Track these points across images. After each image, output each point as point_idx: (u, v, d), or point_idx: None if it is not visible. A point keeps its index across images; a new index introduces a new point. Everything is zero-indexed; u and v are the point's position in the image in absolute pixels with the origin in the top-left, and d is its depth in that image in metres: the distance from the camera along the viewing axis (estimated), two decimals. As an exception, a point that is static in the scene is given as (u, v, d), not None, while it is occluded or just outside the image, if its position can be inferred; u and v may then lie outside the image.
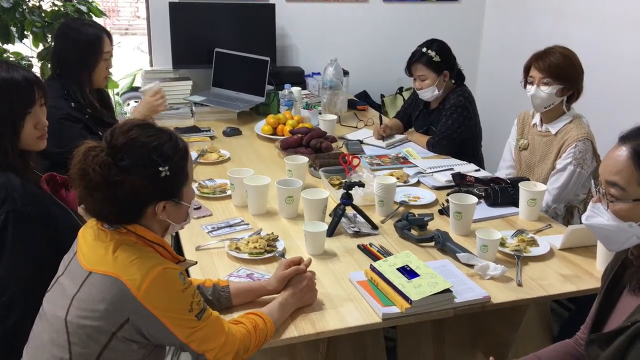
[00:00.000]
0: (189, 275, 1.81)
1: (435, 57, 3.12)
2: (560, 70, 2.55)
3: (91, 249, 1.47)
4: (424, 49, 3.14)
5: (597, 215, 1.45)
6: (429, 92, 3.17)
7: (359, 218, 2.28)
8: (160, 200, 1.47)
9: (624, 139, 1.41)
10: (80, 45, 2.68)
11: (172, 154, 1.47)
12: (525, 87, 2.66)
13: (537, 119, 2.76)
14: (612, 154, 1.41)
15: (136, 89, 4.14)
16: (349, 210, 2.28)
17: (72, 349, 1.41)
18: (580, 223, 2.57)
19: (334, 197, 2.39)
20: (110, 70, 2.87)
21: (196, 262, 1.74)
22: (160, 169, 1.44)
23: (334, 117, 3.44)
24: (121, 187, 1.41)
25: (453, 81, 3.23)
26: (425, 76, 3.15)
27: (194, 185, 2.47)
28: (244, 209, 2.37)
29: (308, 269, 1.80)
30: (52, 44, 2.90)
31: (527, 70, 2.65)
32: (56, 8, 3.48)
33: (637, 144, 1.37)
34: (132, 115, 2.88)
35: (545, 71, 2.56)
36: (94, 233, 1.49)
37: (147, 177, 1.43)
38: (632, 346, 1.37)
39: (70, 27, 2.72)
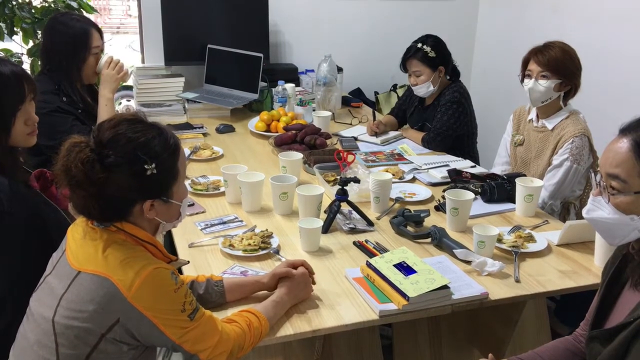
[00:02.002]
0: (181, 273, 1.78)
1: (431, 53, 3.10)
2: (560, 64, 2.54)
3: (80, 248, 1.43)
4: (419, 45, 3.12)
5: (598, 208, 1.43)
6: (424, 88, 3.15)
7: (355, 214, 2.26)
8: (147, 198, 1.43)
9: (625, 130, 1.39)
10: (68, 39, 2.64)
11: (160, 151, 1.41)
12: (522, 81, 2.65)
13: (533, 114, 2.74)
14: (613, 146, 1.39)
15: (128, 87, 4.10)
16: (344, 207, 2.26)
17: (60, 350, 1.38)
18: (576, 219, 2.60)
19: (329, 193, 2.37)
20: None
21: (188, 262, 1.71)
22: (146, 166, 1.38)
23: (328, 113, 3.42)
24: (105, 184, 1.36)
25: (448, 77, 3.22)
26: (420, 72, 3.13)
27: (187, 182, 2.44)
28: (238, 206, 2.34)
29: (307, 267, 1.77)
30: (42, 39, 2.86)
31: (525, 64, 2.64)
32: (46, 4, 3.45)
33: (638, 135, 1.35)
34: (100, 93, 2.80)
35: (544, 65, 2.55)
36: (83, 231, 1.45)
37: (132, 175, 1.38)
38: (634, 342, 1.35)
39: (58, 21, 2.68)
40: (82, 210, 1.44)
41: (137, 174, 1.39)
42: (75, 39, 2.65)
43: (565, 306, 2.63)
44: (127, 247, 1.41)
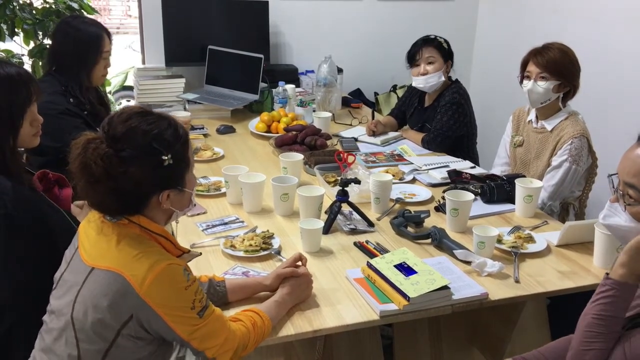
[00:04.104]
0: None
1: (445, 44, 3.14)
2: (558, 65, 2.55)
3: (93, 244, 1.45)
4: (433, 36, 3.16)
5: (615, 215, 1.43)
6: (436, 78, 3.14)
7: (355, 215, 2.27)
8: (164, 189, 1.44)
9: None
10: (81, 43, 2.65)
11: (173, 141, 1.43)
12: (521, 82, 2.66)
13: (532, 115, 2.75)
14: (631, 154, 1.38)
15: (128, 87, 4.11)
16: (345, 208, 2.27)
17: (80, 346, 1.40)
18: (575, 220, 2.61)
19: (329, 194, 2.38)
20: (108, 69, 2.84)
21: (201, 254, 1.71)
22: (164, 157, 1.40)
23: (329, 114, 3.43)
24: (124, 178, 1.37)
25: (449, 77, 3.23)
26: (434, 59, 3.13)
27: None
28: (239, 207, 2.35)
29: (304, 267, 1.79)
30: (51, 40, 2.87)
31: (524, 65, 2.65)
32: (47, 5, 3.45)
33: None
34: None
35: (543, 66, 2.56)
36: (97, 227, 1.46)
37: (150, 167, 1.40)
38: (633, 332, 1.36)
39: (70, 25, 2.69)
40: (100, 206, 1.45)
41: (155, 166, 1.40)
42: (88, 43, 2.66)
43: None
44: (140, 241, 1.43)
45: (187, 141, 1.49)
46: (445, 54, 3.15)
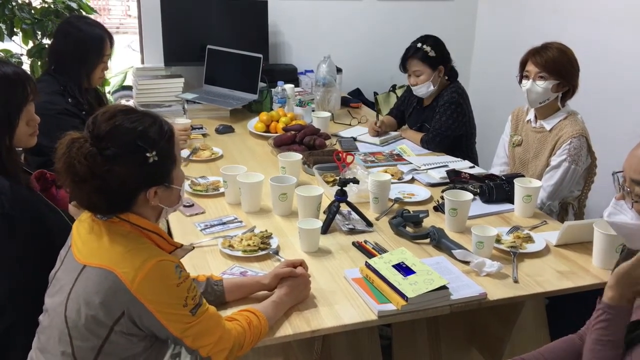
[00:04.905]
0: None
1: (431, 52, 3.11)
2: (557, 65, 2.54)
3: (85, 243, 1.45)
4: (419, 44, 3.13)
5: (620, 212, 1.42)
6: (424, 88, 3.15)
7: (354, 215, 2.26)
8: (150, 186, 1.44)
9: None
10: (82, 44, 2.64)
11: (158, 138, 1.43)
12: (520, 82, 2.65)
13: (531, 115, 2.75)
14: (637, 151, 1.37)
15: (128, 87, 4.11)
16: (344, 207, 2.26)
17: (74, 343, 1.40)
18: (574, 220, 2.61)
19: (328, 194, 2.37)
20: (106, 71, 2.83)
21: (193, 247, 1.71)
22: (148, 154, 1.40)
23: (328, 114, 3.42)
24: (109, 176, 1.37)
25: (446, 78, 3.22)
26: (420, 71, 3.13)
27: (187, 183, 2.44)
28: (237, 207, 2.35)
29: (304, 267, 1.78)
30: (52, 39, 2.87)
31: (523, 65, 2.64)
32: (46, 5, 3.45)
33: None
34: None
35: (542, 66, 2.55)
36: (88, 226, 1.47)
37: (135, 165, 1.40)
38: (634, 348, 1.35)
39: (73, 25, 2.68)
40: (88, 205, 1.46)
41: (140, 163, 1.40)
42: (90, 44, 2.66)
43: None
44: (130, 238, 1.43)
45: (173, 137, 1.48)
46: (433, 62, 3.11)
